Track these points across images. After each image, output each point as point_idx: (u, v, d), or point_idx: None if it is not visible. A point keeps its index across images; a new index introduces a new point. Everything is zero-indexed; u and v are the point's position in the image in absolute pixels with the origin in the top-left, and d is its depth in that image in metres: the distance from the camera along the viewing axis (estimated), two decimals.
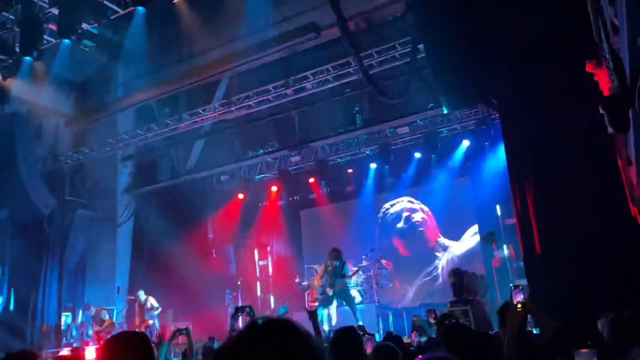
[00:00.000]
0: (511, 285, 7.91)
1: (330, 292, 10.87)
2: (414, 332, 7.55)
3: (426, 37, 8.90)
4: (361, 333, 4.52)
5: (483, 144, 12.48)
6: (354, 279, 11.85)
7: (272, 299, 15.98)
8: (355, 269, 11.83)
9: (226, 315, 14.75)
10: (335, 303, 11.02)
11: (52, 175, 14.11)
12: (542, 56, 7.23)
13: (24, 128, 13.18)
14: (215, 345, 8.04)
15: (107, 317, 12.41)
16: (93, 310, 12.57)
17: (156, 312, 12.35)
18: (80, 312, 13.31)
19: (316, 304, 10.95)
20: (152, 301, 12.43)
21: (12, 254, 13.51)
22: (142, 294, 12.52)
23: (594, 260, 6.49)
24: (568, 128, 6.91)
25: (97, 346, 11.33)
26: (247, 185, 15.76)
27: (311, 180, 15.19)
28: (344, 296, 11.05)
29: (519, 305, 3.37)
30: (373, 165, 14.50)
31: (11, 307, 13.35)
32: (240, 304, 14.34)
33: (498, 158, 11.35)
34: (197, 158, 15.05)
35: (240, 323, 6.73)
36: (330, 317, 10.89)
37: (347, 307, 10.99)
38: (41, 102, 13.19)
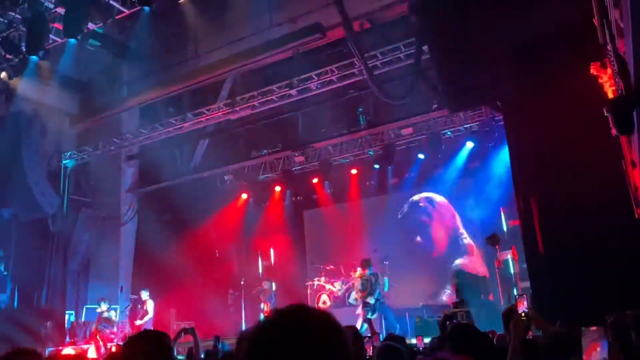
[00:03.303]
0: (515, 294, 7.88)
1: (371, 299, 10.99)
2: (420, 336, 7.55)
3: (430, 38, 8.89)
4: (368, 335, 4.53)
5: (487, 146, 12.46)
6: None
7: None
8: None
9: (229, 315, 14.77)
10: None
11: (57, 174, 14.15)
12: (546, 58, 7.23)
13: (29, 127, 13.23)
14: (220, 345, 7.98)
15: (113, 315, 12.31)
16: (104, 307, 12.22)
17: (147, 318, 11.91)
18: (84, 309, 13.33)
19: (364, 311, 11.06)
20: (148, 306, 12.04)
21: (16, 252, 13.57)
22: (143, 294, 12.31)
23: (597, 263, 6.48)
24: (572, 130, 6.90)
25: (101, 345, 11.35)
26: (250, 185, 15.77)
27: (315, 180, 15.18)
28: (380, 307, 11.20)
29: (523, 315, 3.42)
30: (377, 166, 14.50)
31: (15, 304, 13.41)
32: (242, 304, 14.38)
33: (502, 160, 11.34)
34: (201, 158, 15.07)
35: None
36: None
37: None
38: (46, 101, 13.25)
